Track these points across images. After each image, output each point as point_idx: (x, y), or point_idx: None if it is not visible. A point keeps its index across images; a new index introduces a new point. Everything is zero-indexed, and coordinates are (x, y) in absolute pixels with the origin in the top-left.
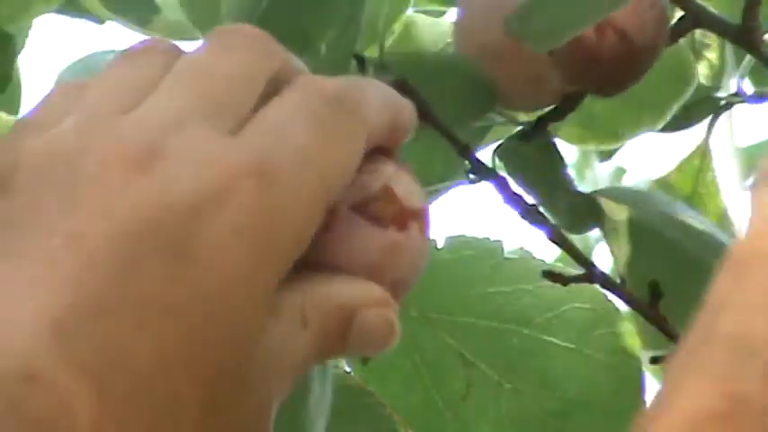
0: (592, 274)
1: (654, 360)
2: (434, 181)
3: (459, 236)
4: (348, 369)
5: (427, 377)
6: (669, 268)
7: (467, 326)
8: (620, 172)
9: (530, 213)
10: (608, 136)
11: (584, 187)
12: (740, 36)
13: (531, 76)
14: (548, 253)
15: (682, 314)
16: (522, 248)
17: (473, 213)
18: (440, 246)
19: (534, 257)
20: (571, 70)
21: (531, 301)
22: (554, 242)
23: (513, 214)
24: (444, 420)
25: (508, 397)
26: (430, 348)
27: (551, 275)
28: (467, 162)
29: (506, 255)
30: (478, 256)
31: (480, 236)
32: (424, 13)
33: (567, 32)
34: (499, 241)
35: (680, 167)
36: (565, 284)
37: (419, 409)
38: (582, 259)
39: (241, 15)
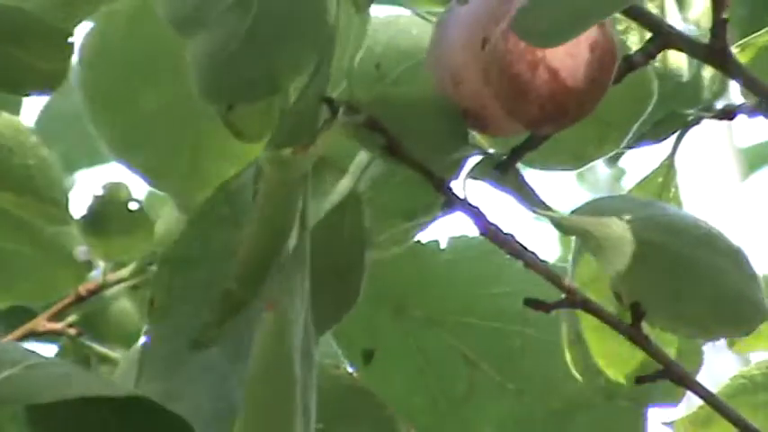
0: (573, 299)
1: (639, 380)
2: (418, 214)
3: (461, 236)
4: (351, 370)
5: (430, 378)
6: (671, 277)
7: (469, 326)
8: (621, 172)
9: (507, 243)
10: (570, 158)
11: (585, 189)
12: (710, 55)
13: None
14: (549, 253)
15: (689, 317)
16: None
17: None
18: (443, 246)
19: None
20: (506, 104)
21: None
22: (530, 267)
23: (514, 215)
24: (446, 421)
25: (511, 397)
26: (432, 349)
27: (533, 303)
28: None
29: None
30: (481, 256)
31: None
32: (426, 13)
33: (572, 30)
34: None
35: (642, 185)
36: (547, 312)
37: (422, 409)
38: (562, 284)
39: (209, 60)
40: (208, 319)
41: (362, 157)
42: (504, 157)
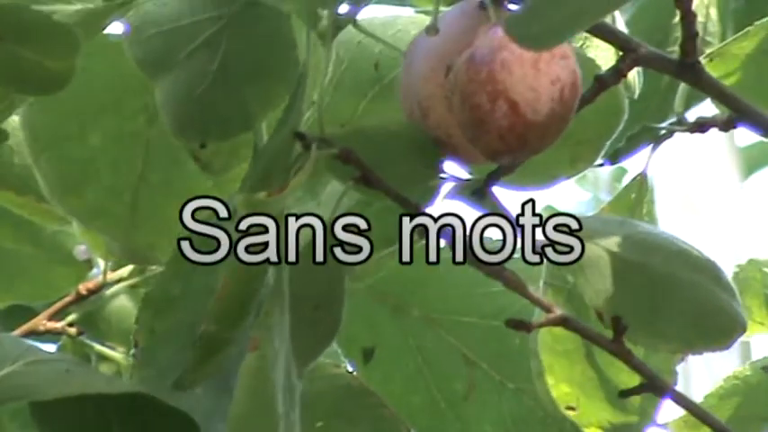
0: (554, 317)
1: (623, 393)
2: (395, 240)
3: None
4: (350, 369)
5: (429, 377)
6: (650, 294)
7: (469, 326)
8: (621, 172)
9: (486, 264)
10: (544, 177)
11: (585, 188)
12: (681, 71)
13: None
14: None
15: (670, 333)
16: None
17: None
18: (442, 246)
19: None
20: (467, 133)
21: None
22: (509, 287)
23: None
24: (446, 420)
25: (510, 397)
26: (432, 348)
27: (515, 323)
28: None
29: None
30: None
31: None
32: (425, 13)
33: (564, 34)
34: (501, 241)
35: (615, 202)
36: (528, 332)
37: (421, 409)
38: (541, 303)
39: (180, 99)
40: (190, 360)
41: (335, 187)
42: (481, 181)
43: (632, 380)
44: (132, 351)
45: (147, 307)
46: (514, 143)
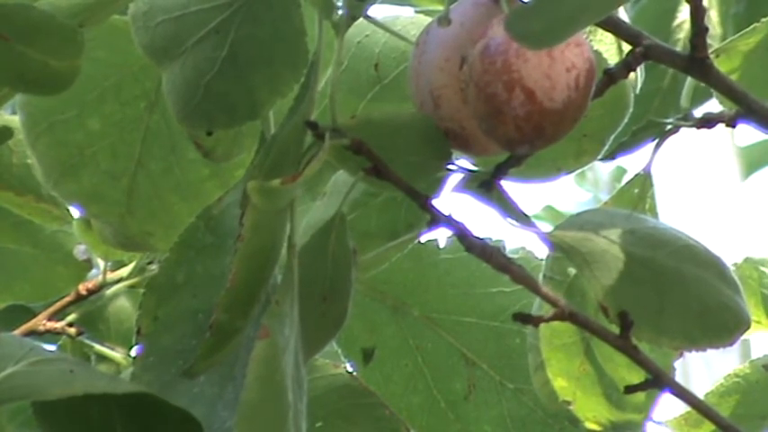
0: (561, 311)
1: (628, 389)
2: (402, 232)
3: None
4: (350, 369)
5: (429, 377)
6: (656, 290)
7: (469, 326)
8: (621, 172)
9: (493, 257)
10: (549, 171)
11: (585, 188)
12: (690, 65)
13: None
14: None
15: (674, 329)
16: (523, 248)
17: (474, 214)
18: (441, 246)
19: (536, 257)
20: (483, 124)
21: (532, 300)
22: (516, 281)
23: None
24: (446, 420)
25: (510, 397)
26: (432, 348)
27: (522, 317)
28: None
29: (508, 255)
30: None
31: (482, 236)
32: (424, 13)
33: (565, 32)
34: (501, 241)
35: (618, 196)
36: (536, 326)
37: (421, 409)
38: (548, 297)
39: (187, 87)
40: (198, 349)
41: (343, 177)
42: (488, 173)
43: (631, 376)
44: (134, 339)
45: (150, 293)
46: (531, 132)
